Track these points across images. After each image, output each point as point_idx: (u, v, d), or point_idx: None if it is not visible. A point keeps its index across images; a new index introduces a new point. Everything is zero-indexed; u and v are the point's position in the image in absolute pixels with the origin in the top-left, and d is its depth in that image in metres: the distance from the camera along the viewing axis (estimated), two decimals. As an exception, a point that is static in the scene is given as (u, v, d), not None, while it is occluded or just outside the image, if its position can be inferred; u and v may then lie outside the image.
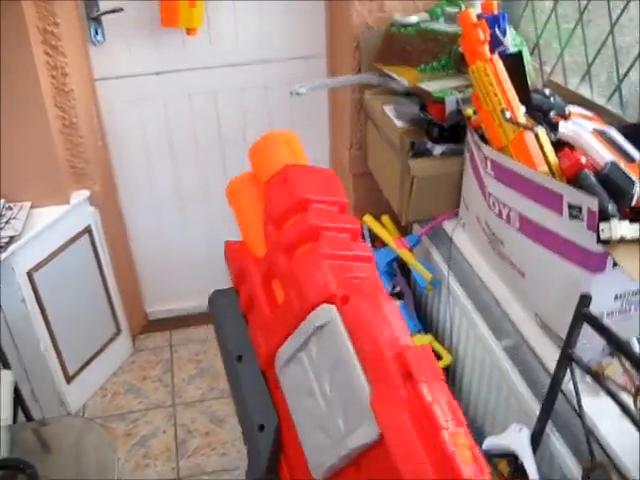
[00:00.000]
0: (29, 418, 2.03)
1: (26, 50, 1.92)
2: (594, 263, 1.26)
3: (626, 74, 1.55)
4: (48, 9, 1.97)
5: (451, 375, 1.93)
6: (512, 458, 1.37)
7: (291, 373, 0.58)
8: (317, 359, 0.55)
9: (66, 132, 2.16)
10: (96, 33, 2.20)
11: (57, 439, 1.78)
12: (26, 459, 1.52)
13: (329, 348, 0.55)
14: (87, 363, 2.44)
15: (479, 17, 1.49)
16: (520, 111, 1.46)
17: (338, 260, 0.59)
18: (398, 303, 1.96)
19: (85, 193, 2.28)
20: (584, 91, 1.72)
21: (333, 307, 0.55)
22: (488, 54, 1.47)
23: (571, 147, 1.41)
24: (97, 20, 2.19)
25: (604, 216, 1.22)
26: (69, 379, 2.35)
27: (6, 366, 1.95)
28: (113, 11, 2.17)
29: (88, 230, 2.32)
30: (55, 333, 2.24)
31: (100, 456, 1.58)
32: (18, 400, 1.96)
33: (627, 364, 1.13)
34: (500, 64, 1.47)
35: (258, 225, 0.65)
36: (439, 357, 1.90)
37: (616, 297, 1.30)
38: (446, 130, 1.79)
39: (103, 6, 2.18)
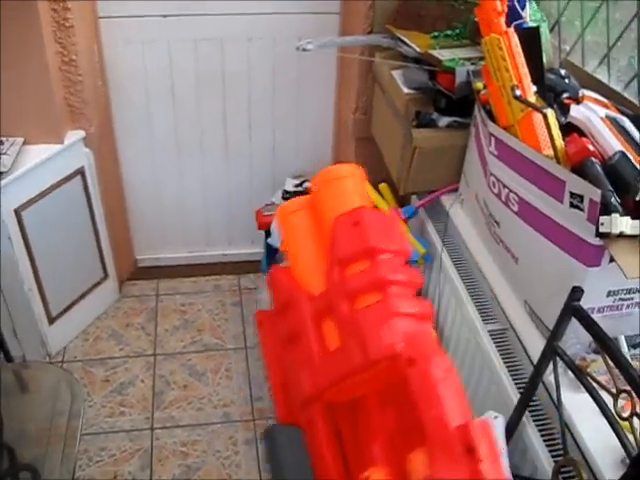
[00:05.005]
0: (8, 358, 2.02)
1: (26, -19, 1.84)
2: (590, 256, 1.22)
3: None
4: (53, -62, 1.89)
5: (434, 352, 1.91)
6: (485, 445, 1.36)
7: None
8: None
9: (65, 69, 2.09)
10: (103, -32, 2.12)
11: (35, 382, 1.77)
12: (2, 397, 1.51)
13: None
14: (71, 305, 2.41)
15: (498, -14, 1.42)
16: (531, 90, 1.40)
17: (405, 319, 0.55)
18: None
19: (80, 133, 2.22)
20: (602, 75, 1.66)
21: None
22: (504, 27, 1.40)
23: (580, 133, 1.36)
24: (105, -46, 2.11)
25: (606, 209, 1.18)
26: (51, 320, 2.33)
27: (-13, 302, 1.93)
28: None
29: (81, 171, 2.26)
30: (40, 273, 2.21)
31: (74, 407, 1.57)
32: (-3, 337, 1.95)
33: (611, 362, 1.09)
34: (515, 39, 1.40)
35: (314, 259, 0.59)
36: (424, 333, 1.87)
37: (609, 293, 1.26)
38: (454, 102, 1.73)
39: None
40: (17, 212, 2.05)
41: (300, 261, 0.61)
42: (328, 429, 0.57)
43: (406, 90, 1.83)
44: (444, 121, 1.77)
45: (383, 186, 2.08)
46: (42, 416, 1.58)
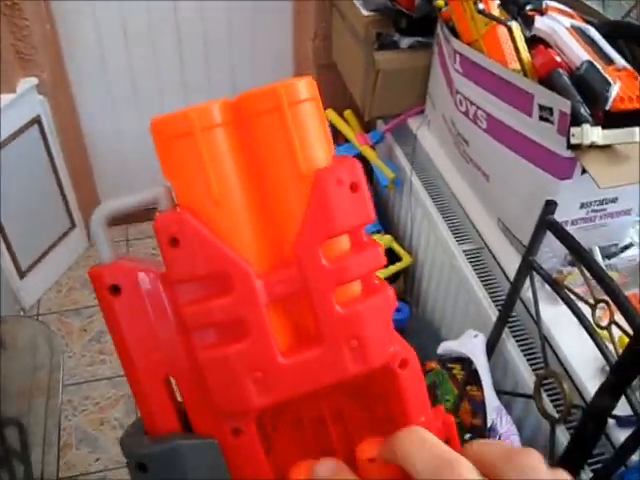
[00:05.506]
0: (-19, 314, 1.99)
1: None
2: (562, 169, 1.21)
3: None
4: None
5: (410, 277, 1.92)
6: (467, 363, 1.38)
7: None
8: None
9: (8, 13, 1.99)
10: None
11: (12, 337, 1.75)
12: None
13: None
14: (41, 258, 2.37)
15: None
16: (494, 3, 1.36)
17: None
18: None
19: (33, 81, 2.13)
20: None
21: None
22: (462, -63, 1.35)
23: (546, 45, 1.33)
24: None
25: (576, 120, 1.17)
26: (22, 274, 2.29)
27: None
28: None
29: (37, 120, 2.19)
30: (5, 227, 2.15)
31: (53, 359, 1.56)
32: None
33: (587, 274, 1.10)
34: (475, -51, 1.35)
35: (243, 213, 0.48)
36: (399, 258, 1.87)
37: (582, 205, 1.26)
38: (415, 21, 1.69)
39: None
40: (-26, 166, 1.98)
41: (219, 212, 0.47)
42: (261, 441, 0.47)
43: (365, 12, 1.77)
44: (406, 42, 1.73)
45: (348, 112, 2.04)
46: (22, 371, 1.57)
